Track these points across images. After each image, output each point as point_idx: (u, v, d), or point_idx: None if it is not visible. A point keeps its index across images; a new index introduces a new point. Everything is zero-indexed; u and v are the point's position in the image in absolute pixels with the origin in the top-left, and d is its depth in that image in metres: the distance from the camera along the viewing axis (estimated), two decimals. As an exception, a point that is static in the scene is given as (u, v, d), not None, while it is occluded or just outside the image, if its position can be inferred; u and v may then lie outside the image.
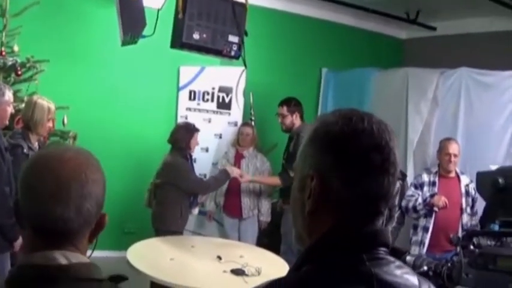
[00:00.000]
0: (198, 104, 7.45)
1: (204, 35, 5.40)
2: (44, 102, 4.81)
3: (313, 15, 8.40)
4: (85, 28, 6.88)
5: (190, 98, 7.48)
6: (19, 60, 5.67)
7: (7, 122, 4.51)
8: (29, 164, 1.50)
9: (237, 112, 7.36)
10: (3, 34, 5.72)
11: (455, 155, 5.81)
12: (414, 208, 5.80)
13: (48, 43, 6.45)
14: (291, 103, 6.40)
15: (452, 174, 5.90)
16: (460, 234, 5.11)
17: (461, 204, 5.73)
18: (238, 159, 6.67)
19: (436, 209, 5.71)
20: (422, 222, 5.84)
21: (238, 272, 4.42)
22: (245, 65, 5.67)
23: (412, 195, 5.87)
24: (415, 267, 2.77)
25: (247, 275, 4.39)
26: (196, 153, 6.82)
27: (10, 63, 5.58)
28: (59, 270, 1.42)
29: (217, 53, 5.53)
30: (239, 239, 6.51)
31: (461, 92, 6.62)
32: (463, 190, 5.79)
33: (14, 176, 4.11)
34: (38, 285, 1.41)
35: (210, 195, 6.67)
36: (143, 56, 6.90)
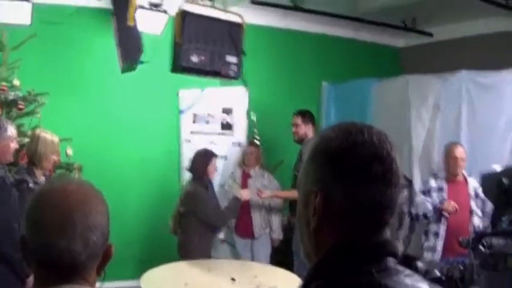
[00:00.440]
0: (202, 127, 7.45)
1: (203, 57, 5.43)
2: (48, 135, 4.82)
3: (309, 30, 8.42)
4: (84, 58, 6.91)
5: (193, 121, 7.48)
6: (20, 94, 5.69)
7: (12, 158, 4.51)
8: (33, 199, 1.51)
9: (240, 132, 7.34)
10: (3, 68, 5.75)
11: (462, 159, 5.81)
12: (425, 215, 5.79)
13: (48, 75, 6.47)
14: (306, 114, 6.53)
15: (460, 178, 5.89)
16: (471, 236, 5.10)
17: (471, 207, 5.71)
18: (245, 179, 6.67)
19: (446, 214, 5.69)
20: (433, 227, 5.81)
21: (253, 293, 4.41)
22: (245, 85, 5.70)
23: (422, 202, 5.85)
24: (427, 274, 2.77)
25: (262, 295, 4.38)
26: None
27: (11, 97, 5.59)
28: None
29: (216, 74, 5.56)
30: (252, 259, 6.49)
31: (463, 96, 6.58)
32: (471, 193, 5.77)
33: (21, 212, 4.12)
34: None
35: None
36: (142, 82, 6.92)
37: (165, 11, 5.95)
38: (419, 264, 2.87)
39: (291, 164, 6.66)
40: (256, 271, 5.15)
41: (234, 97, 7.34)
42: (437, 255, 5.68)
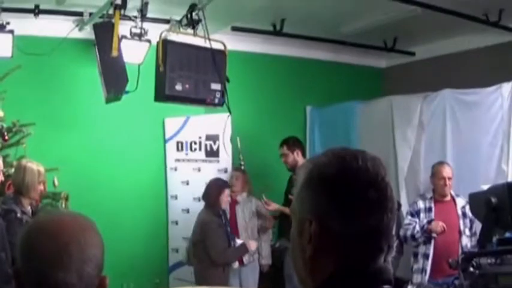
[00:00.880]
0: (187, 154, 7.41)
1: (187, 86, 5.44)
2: (34, 165, 4.82)
3: (291, 54, 8.42)
4: (68, 88, 6.88)
5: (178, 149, 7.46)
6: (5, 125, 5.67)
7: (-3, 189, 4.51)
8: (28, 230, 1.51)
9: (225, 159, 7.28)
10: (-12, 101, 5.73)
11: (449, 178, 5.83)
12: (413, 236, 5.78)
13: (33, 106, 6.44)
14: (290, 141, 6.61)
15: (448, 198, 5.91)
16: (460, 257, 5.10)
17: (459, 227, 5.72)
18: (232, 205, 6.66)
19: (434, 234, 5.69)
20: (422, 249, 5.82)
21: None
22: (229, 111, 5.70)
23: (410, 224, 5.86)
24: (417, 297, 2.78)
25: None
26: (189, 202, 6.84)
27: (-4, 129, 5.58)
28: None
29: (201, 102, 5.57)
30: (240, 286, 6.46)
31: (447, 114, 6.59)
32: (459, 212, 5.79)
33: (9, 242, 4.09)
34: None
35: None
36: (128, 112, 6.89)
37: (148, 41, 5.95)
38: (409, 287, 2.87)
39: (278, 189, 6.67)
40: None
41: (219, 124, 7.33)
42: (427, 277, 5.67)
